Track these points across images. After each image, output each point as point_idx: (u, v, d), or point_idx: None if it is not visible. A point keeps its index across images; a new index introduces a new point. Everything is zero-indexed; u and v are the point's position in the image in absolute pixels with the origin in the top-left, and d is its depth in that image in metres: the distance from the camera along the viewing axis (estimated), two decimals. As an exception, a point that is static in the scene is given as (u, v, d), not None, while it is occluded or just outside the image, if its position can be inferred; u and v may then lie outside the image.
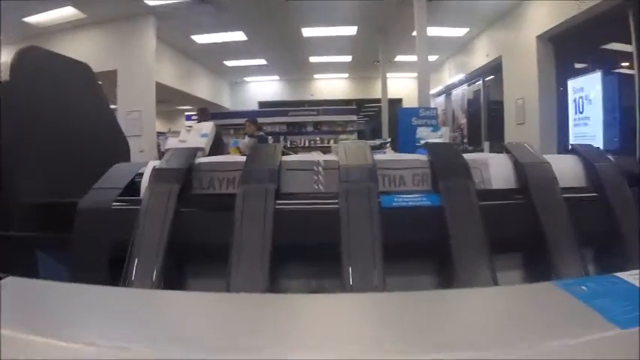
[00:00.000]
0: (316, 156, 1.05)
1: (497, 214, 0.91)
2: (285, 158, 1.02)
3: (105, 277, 0.86)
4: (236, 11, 8.49)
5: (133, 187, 1.02)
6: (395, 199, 0.91)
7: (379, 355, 0.47)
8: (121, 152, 1.78)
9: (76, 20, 8.26)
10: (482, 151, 8.68)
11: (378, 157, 1.01)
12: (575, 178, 1.03)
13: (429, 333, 0.52)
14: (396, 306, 0.60)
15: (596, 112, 5.45)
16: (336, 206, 0.86)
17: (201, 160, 1.04)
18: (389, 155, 1.06)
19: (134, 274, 0.80)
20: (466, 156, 1.01)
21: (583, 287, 0.61)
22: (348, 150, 1.01)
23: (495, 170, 1.02)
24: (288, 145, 13.17)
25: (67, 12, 7.96)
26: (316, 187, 0.98)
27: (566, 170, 1.03)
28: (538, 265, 0.90)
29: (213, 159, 1.06)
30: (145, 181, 0.98)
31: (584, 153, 1.08)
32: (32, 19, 8.01)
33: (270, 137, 9.08)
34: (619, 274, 0.66)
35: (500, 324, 0.55)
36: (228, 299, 0.68)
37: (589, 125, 5.62)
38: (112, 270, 0.86)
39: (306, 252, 0.92)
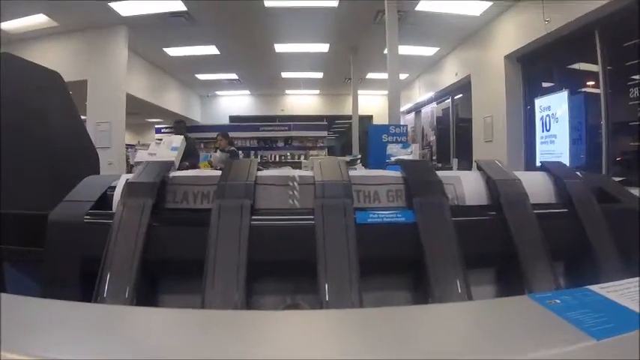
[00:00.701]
0: (291, 171, 1.05)
1: (471, 230, 0.93)
2: (260, 173, 1.02)
3: (76, 291, 0.84)
4: (209, 25, 8.47)
5: (104, 201, 1.00)
6: (370, 216, 0.91)
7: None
8: (91, 164, 1.76)
9: (48, 28, 8.12)
10: (450, 167, 8.82)
11: (353, 173, 1.02)
12: (545, 194, 1.06)
13: (403, 349, 0.52)
14: (370, 322, 0.60)
15: (562, 129, 5.58)
16: (312, 222, 0.86)
17: (175, 173, 1.03)
18: (363, 171, 1.07)
19: (106, 290, 0.79)
20: (439, 173, 1.03)
21: (557, 300, 0.62)
22: (323, 165, 1.01)
23: (468, 187, 1.04)
24: (259, 160, 13.12)
25: (39, 19, 7.82)
26: (291, 202, 0.98)
27: (537, 187, 1.05)
28: (511, 280, 0.92)
29: (187, 173, 1.05)
30: (117, 195, 0.96)
31: (553, 170, 1.10)
32: (3, 26, 7.83)
33: (240, 152, 9.04)
34: (591, 287, 0.67)
35: (475, 338, 0.56)
36: (201, 316, 0.67)
37: (555, 143, 5.75)
38: (84, 285, 0.84)
39: (282, 268, 0.91)
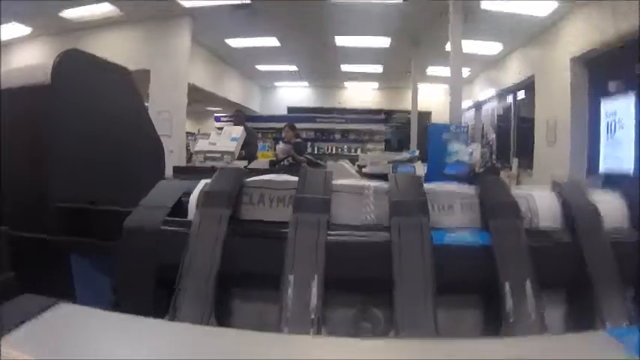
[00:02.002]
0: (365, 182, 1.04)
1: (544, 256, 0.90)
2: (335, 184, 1.00)
3: (150, 299, 0.86)
4: (271, 17, 8.56)
5: (179, 207, 1.00)
6: (446, 236, 0.90)
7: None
8: (158, 157, 1.79)
9: (112, 17, 8.38)
10: (510, 167, 8.58)
11: (428, 186, 1.00)
12: (619, 217, 1.01)
13: None
14: (442, 353, 0.62)
15: (628, 137, 5.34)
16: (388, 239, 0.86)
17: (251, 180, 1.02)
18: (437, 185, 1.05)
19: (184, 302, 0.80)
20: (514, 192, 1.00)
21: (633, 337, 0.62)
22: (399, 180, 1.00)
23: (541, 207, 1.01)
24: (316, 152, 13.19)
25: (104, 8, 8.06)
26: (366, 217, 0.96)
27: (610, 210, 1.01)
28: (582, 307, 0.89)
29: (263, 179, 1.03)
30: (193, 202, 0.97)
31: (627, 191, 1.06)
32: (68, 14, 8.13)
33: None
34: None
35: None
36: (279, 341, 0.69)
37: (619, 150, 5.51)
38: (157, 291, 0.87)
39: (355, 284, 0.91)
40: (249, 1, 7.74)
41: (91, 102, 1.46)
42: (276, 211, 0.95)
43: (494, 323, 0.83)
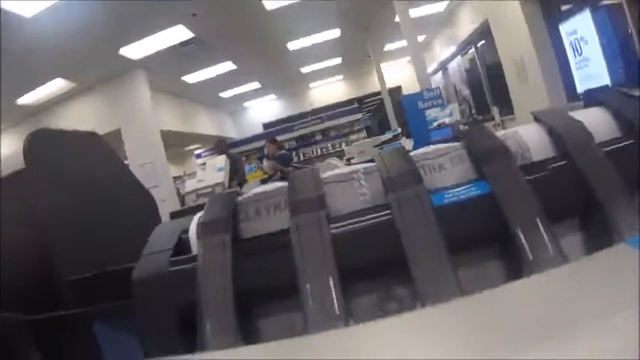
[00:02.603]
0: (353, 167, 1.04)
1: (545, 185, 0.89)
2: (324, 177, 1.00)
3: (177, 340, 0.86)
4: (219, 44, 8.57)
5: (181, 246, 0.99)
6: (445, 196, 0.90)
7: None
8: (149, 207, 1.80)
9: (69, 90, 8.41)
10: (492, 118, 8.60)
11: (414, 154, 1.00)
12: (608, 130, 1.01)
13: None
14: (479, 309, 0.62)
15: (594, 50, 5.35)
16: (390, 217, 0.85)
17: (243, 199, 1.02)
18: (423, 150, 1.04)
19: (208, 330, 0.80)
20: (498, 133, 1.00)
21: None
22: (386, 157, 0.99)
23: (530, 141, 1.01)
24: (302, 158, 13.21)
25: (57, 85, 8.10)
26: (362, 200, 0.96)
27: (598, 124, 1.01)
28: (596, 227, 0.88)
29: (255, 192, 1.03)
30: (192, 237, 0.97)
31: (607, 101, 1.05)
32: (25, 100, 8.16)
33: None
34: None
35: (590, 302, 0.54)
36: (307, 342, 0.70)
37: (590, 66, 5.53)
38: (181, 333, 0.86)
39: (371, 269, 0.90)
40: (193, 35, 7.74)
41: (70, 172, 1.46)
42: (275, 219, 0.94)
43: (516, 268, 0.82)
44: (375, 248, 0.88)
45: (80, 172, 1.51)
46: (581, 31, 5.54)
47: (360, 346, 0.64)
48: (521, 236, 0.80)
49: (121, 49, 7.58)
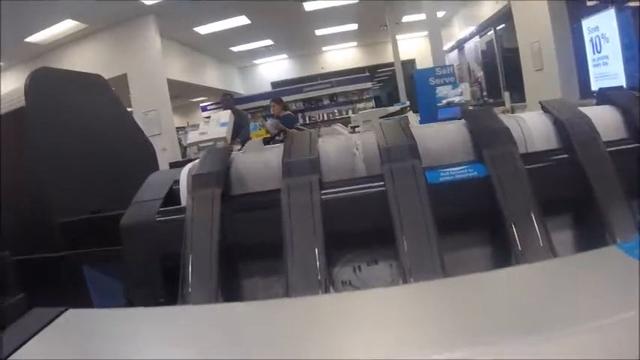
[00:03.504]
0: (352, 137, 1.02)
1: (544, 177, 0.90)
2: (322, 143, 1.00)
3: (159, 290, 0.87)
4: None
5: (171, 196, 1.01)
6: (441, 174, 0.89)
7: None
8: (148, 155, 1.79)
9: (78, 32, 8.29)
10: (503, 102, 8.52)
11: (416, 130, 0.99)
12: (615, 129, 0.99)
13: (503, 315, 0.52)
14: (457, 292, 0.61)
15: (614, 49, 5.25)
16: (383, 188, 0.85)
17: (238, 156, 1.02)
18: (426, 126, 1.03)
19: (191, 284, 0.80)
20: (504, 118, 0.99)
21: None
22: (385, 128, 0.98)
23: (535, 130, 0.99)
24: (307, 122, 13.14)
25: (67, 25, 7.98)
26: (358, 169, 0.96)
27: (606, 122, 0.99)
28: (590, 223, 0.88)
29: (250, 155, 1.03)
30: (183, 188, 0.97)
31: (618, 100, 1.03)
32: (34, 39, 8.05)
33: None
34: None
35: (571, 302, 0.53)
36: (286, 306, 0.69)
37: (609, 64, 5.43)
38: (166, 282, 0.86)
39: (358, 237, 0.91)
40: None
41: (70, 114, 1.46)
42: (267, 180, 0.94)
43: (504, 257, 0.82)
44: (364, 217, 0.88)
45: (81, 114, 1.51)
46: (603, 28, 5.42)
47: (338, 311, 0.63)
48: (513, 226, 0.79)
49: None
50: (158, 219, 0.92)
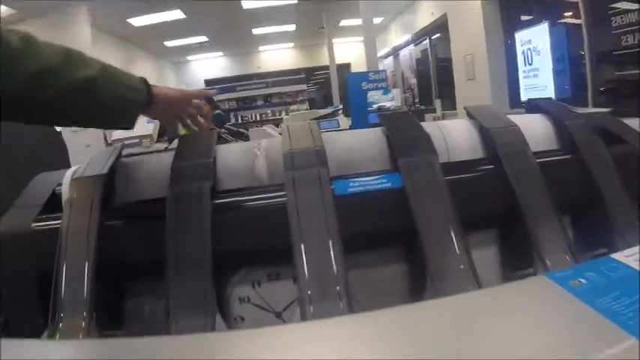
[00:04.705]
0: (256, 142, 0.93)
1: (466, 189, 0.83)
2: (222, 147, 0.90)
3: (34, 309, 0.75)
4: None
5: (55, 201, 0.88)
6: (350, 185, 0.80)
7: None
8: (58, 151, 1.65)
9: (8, 17, 7.77)
10: (434, 109, 8.71)
11: (327, 135, 0.90)
12: (545, 139, 0.96)
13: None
14: (363, 329, 0.51)
15: (545, 62, 5.48)
16: (283, 199, 0.76)
17: (127, 159, 0.92)
18: (339, 133, 0.95)
19: (63, 307, 0.69)
20: (425, 125, 0.91)
21: (581, 280, 0.54)
22: (292, 131, 0.89)
23: (459, 138, 0.93)
24: (239, 121, 12.97)
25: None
26: (259, 177, 0.87)
27: (535, 132, 0.95)
28: (516, 240, 0.83)
29: (138, 158, 0.93)
30: (65, 194, 0.85)
31: (549, 110, 1.00)
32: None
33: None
34: (615, 257, 0.59)
35: (490, 342, 0.47)
36: (168, 344, 0.57)
37: (539, 76, 5.66)
38: (43, 300, 0.74)
39: (254, 256, 0.82)
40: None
41: None
42: (160, 186, 0.84)
43: (420, 277, 0.74)
44: (262, 230, 0.80)
45: None
46: (535, 42, 5.66)
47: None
48: (426, 242, 0.72)
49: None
50: (34, 227, 0.80)
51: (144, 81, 0.87)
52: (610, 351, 0.41)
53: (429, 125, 0.92)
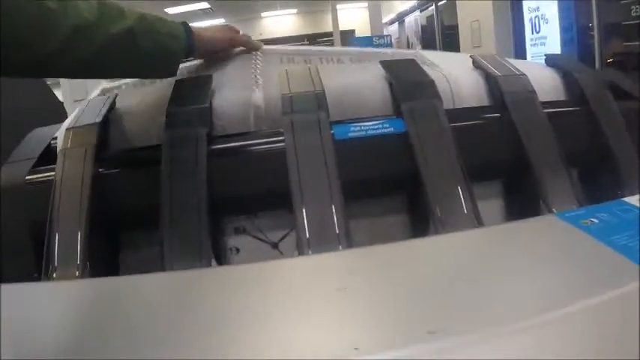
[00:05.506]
0: (254, 79, 0.90)
1: (472, 137, 0.81)
2: (219, 92, 0.87)
3: (29, 264, 0.74)
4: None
5: (50, 155, 0.86)
6: (351, 129, 0.78)
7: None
8: (55, 108, 1.63)
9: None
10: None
11: (329, 81, 0.85)
12: (554, 91, 0.93)
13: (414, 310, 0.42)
14: (362, 265, 0.52)
15: (553, 31, 5.39)
16: (282, 145, 0.74)
17: (120, 106, 0.89)
18: (342, 76, 0.91)
19: (56, 257, 0.69)
20: (429, 71, 0.88)
21: (593, 219, 0.53)
22: (291, 75, 0.86)
23: (465, 86, 0.90)
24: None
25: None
26: (256, 123, 0.84)
27: (544, 82, 0.92)
28: (523, 190, 0.82)
29: (133, 104, 0.90)
30: (59, 145, 0.83)
31: (561, 64, 0.97)
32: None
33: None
34: (628, 200, 0.58)
35: (499, 280, 0.45)
36: (162, 281, 0.58)
37: (546, 45, 5.59)
38: (39, 253, 0.73)
39: (251, 203, 0.81)
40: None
41: None
42: (151, 132, 0.82)
43: (423, 223, 0.73)
44: (258, 177, 0.78)
45: None
46: (543, 10, 5.56)
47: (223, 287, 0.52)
48: (430, 188, 0.70)
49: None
50: (27, 180, 0.79)
51: (185, 27, 0.86)
52: (629, 287, 0.40)
53: (433, 72, 0.88)
